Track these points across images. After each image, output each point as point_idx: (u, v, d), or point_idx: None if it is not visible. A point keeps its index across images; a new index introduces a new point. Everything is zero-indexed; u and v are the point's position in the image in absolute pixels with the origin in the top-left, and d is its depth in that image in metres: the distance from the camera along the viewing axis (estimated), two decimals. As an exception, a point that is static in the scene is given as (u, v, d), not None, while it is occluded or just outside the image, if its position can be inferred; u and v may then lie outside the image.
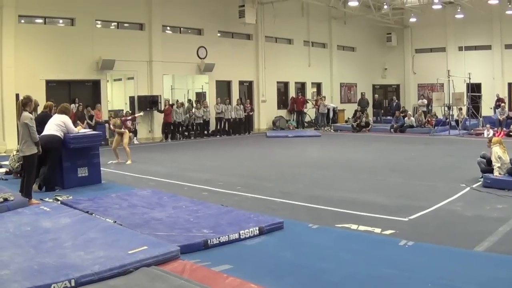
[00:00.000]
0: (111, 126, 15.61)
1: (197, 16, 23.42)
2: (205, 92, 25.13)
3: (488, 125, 21.50)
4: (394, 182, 10.91)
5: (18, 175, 11.11)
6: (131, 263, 5.12)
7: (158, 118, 21.86)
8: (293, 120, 27.88)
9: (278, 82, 27.82)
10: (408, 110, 27.41)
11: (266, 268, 5.37)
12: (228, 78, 25.30)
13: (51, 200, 8.75)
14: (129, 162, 14.21)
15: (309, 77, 29.45)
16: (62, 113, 10.34)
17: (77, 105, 18.53)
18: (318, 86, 30.31)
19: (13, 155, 11.59)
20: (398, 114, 25.61)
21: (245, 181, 11.20)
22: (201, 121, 22.83)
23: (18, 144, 9.11)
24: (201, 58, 23.66)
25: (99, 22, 20.36)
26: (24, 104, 8.68)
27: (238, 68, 25.39)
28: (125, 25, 21.40)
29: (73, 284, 4.65)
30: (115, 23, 21.11)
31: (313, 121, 28.41)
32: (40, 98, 14.41)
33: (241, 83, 26.09)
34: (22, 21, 18.11)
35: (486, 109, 25.96)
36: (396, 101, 29.82)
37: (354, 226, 7.10)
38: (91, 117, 19.01)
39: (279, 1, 25.12)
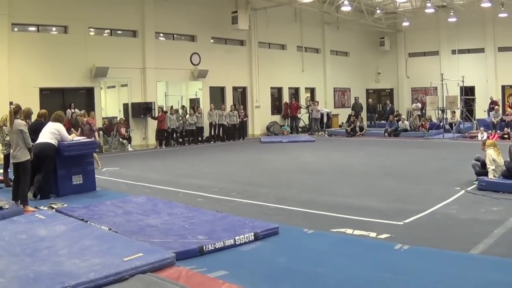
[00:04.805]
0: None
1: (190, 22, 23.44)
2: (199, 98, 25.14)
3: (482, 128, 21.52)
4: (388, 186, 10.93)
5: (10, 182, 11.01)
6: (126, 270, 5.10)
7: (152, 125, 21.83)
8: (287, 125, 27.88)
9: (271, 88, 27.85)
10: (402, 114, 27.42)
11: (261, 274, 5.37)
12: (222, 84, 25.30)
13: (46, 208, 8.71)
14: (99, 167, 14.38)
15: (302, 82, 29.50)
16: (56, 121, 10.32)
17: (72, 110, 18.43)
18: (312, 91, 30.37)
19: None
20: (392, 118, 25.66)
21: (240, 187, 11.19)
22: (195, 128, 22.81)
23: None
24: (194, 65, 23.66)
25: (92, 29, 20.34)
26: (16, 112, 8.87)
27: (232, 74, 25.39)
28: (118, 32, 21.39)
29: (68, 291, 4.64)
30: (108, 31, 21.09)
31: (307, 126, 28.44)
32: (34, 106, 14.28)
33: (234, 89, 26.08)
34: (16, 29, 18.08)
35: (480, 112, 26.05)
36: (390, 105, 29.84)
37: (349, 231, 7.11)
38: (85, 125, 18.87)
39: (272, 7, 25.16)
